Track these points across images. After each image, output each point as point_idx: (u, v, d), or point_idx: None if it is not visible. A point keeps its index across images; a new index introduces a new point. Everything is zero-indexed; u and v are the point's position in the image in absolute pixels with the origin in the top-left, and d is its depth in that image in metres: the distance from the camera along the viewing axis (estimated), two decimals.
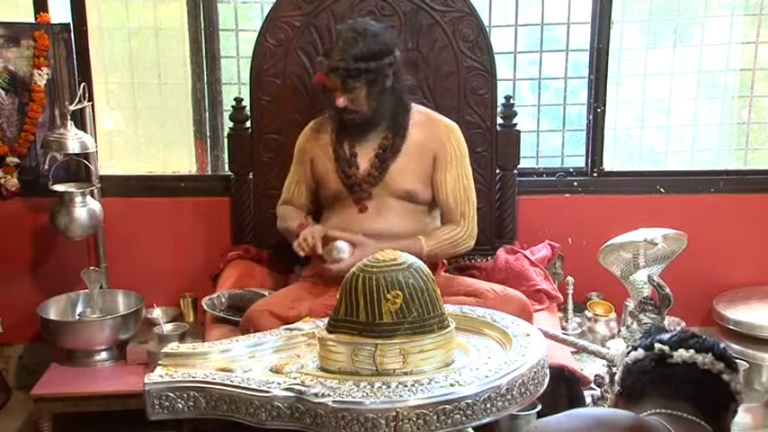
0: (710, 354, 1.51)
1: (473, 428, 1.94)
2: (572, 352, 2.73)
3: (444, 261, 2.90)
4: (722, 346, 1.55)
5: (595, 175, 3.44)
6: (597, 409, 1.88)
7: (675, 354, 1.51)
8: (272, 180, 3.10)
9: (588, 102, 3.42)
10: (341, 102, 2.63)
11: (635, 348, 1.59)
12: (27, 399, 3.05)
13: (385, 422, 1.77)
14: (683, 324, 3.20)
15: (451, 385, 1.83)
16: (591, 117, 3.41)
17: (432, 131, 2.76)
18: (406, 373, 1.91)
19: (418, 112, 2.80)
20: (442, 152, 2.74)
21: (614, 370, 2.14)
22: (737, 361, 1.58)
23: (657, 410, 1.47)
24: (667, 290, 2.55)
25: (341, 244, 2.62)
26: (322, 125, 2.83)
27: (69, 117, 3.08)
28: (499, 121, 3.17)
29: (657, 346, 1.54)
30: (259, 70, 3.08)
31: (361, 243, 2.62)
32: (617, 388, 1.61)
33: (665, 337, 1.56)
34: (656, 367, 1.53)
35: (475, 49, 3.08)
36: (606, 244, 2.84)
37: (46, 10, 3.22)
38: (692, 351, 1.51)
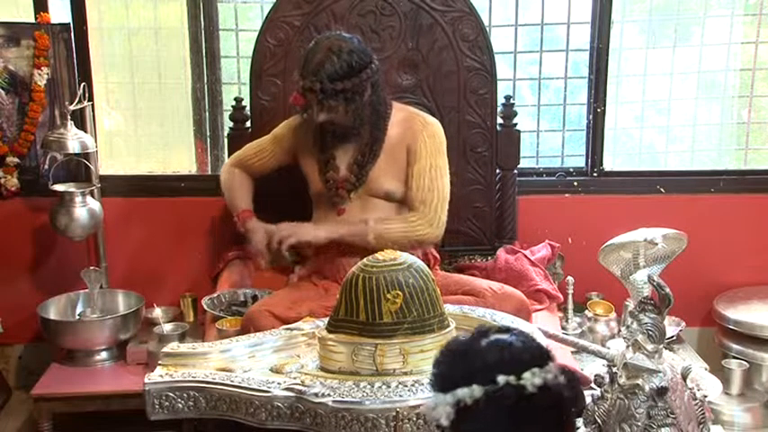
0: (550, 364, 1.26)
1: None
2: (572, 352, 2.73)
3: (437, 257, 2.89)
4: (537, 341, 1.31)
5: (595, 175, 3.44)
6: None
7: (527, 383, 1.22)
8: (272, 180, 3.10)
9: (588, 102, 3.42)
10: (320, 118, 2.59)
11: (452, 385, 1.24)
12: (27, 399, 3.05)
13: (385, 422, 1.78)
14: (684, 324, 3.20)
15: None
16: (591, 117, 3.41)
17: (407, 127, 2.71)
18: (405, 373, 1.91)
19: (399, 110, 2.76)
20: (413, 145, 2.69)
21: (614, 370, 2.14)
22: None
23: None
24: (667, 290, 2.54)
25: None
26: (307, 124, 2.78)
27: (69, 117, 3.08)
28: (499, 121, 3.17)
29: (502, 379, 1.21)
30: (259, 70, 3.08)
31: (315, 227, 2.68)
32: None
33: (488, 362, 1.24)
34: (513, 408, 1.22)
35: (475, 48, 3.08)
36: (606, 244, 2.84)
37: (46, 10, 3.23)
38: (535, 369, 1.23)
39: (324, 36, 2.64)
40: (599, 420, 2.07)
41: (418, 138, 2.69)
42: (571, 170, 3.47)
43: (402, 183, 2.71)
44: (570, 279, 3.10)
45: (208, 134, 3.49)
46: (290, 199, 2.88)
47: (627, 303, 2.98)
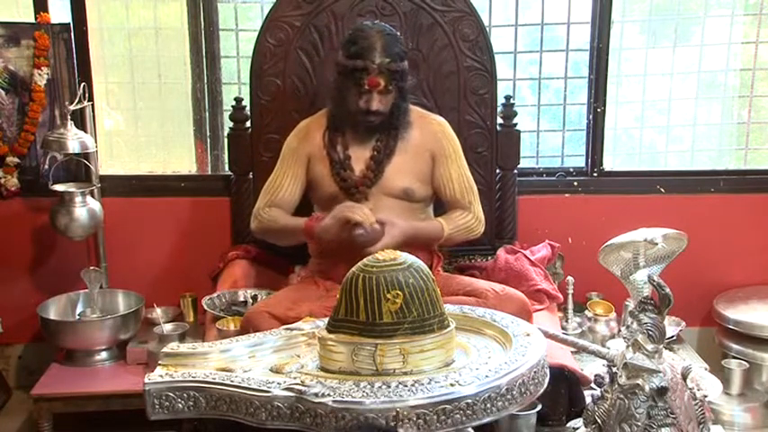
0: None
1: (473, 428, 1.93)
2: (572, 352, 2.73)
3: (440, 256, 2.90)
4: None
5: (595, 175, 3.44)
6: None
7: None
8: None
9: (588, 102, 3.42)
10: (375, 104, 2.60)
11: None
12: (27, 399, 3.05)
13: (385, 422, 1.77)
14: (684, 324, 3.20)
15: (451, 385, 1.83)
16: (591, 117, 3.41)
17: (425, 130, 2.77)
18: (406, 373, 1.91)
19: (410, 109, 2.79)
20: (439, 150, 2.76)
21: (614, 370, 2.14)
22: None
23: None
24: (667, 290, 2.54)
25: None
26: (314, 127, 2.81)
27: (69, 117, 3.08)
28: (499, 120, 3.17)
29: None
30: (259, 70, 3.08)
31: (391, 223, 2.60)
32: None
33: None
34: None
35: (475, 49, 3.08)
36: (606, 244, 2.84)
37: (46, 10, 3.23)
38: None
39: (365, 24, 2.70)
40: (599, 420, 2.07)
41: (442, 141, 2.78)
42: (571, 170, 3.47)
43: (423, 183, 2.76)
44: (570, 279, 3.10)
45: (208, 134, 3.49)
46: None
47: (627, 303, 2.99)
